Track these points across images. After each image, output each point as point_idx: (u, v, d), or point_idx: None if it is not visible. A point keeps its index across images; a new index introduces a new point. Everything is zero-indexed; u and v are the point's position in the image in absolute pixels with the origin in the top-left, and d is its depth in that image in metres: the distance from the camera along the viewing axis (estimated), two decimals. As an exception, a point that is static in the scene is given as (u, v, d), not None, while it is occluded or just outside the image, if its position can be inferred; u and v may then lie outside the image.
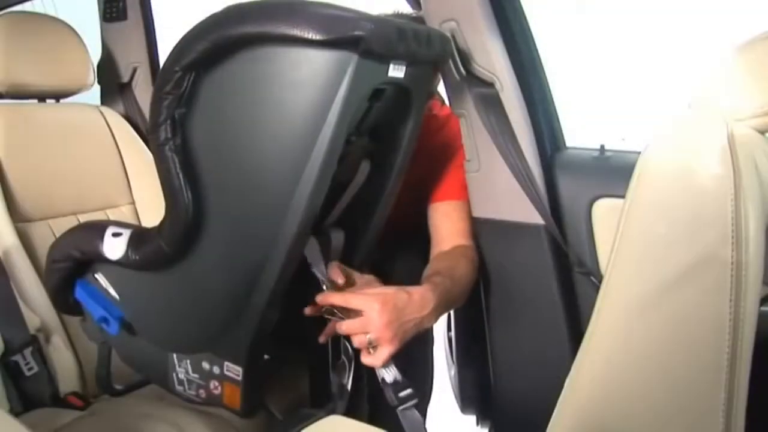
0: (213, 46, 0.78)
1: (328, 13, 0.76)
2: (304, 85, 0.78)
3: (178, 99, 0.81)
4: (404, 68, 0.85)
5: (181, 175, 0.83)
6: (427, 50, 0.87)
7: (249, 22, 0.77)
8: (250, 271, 0.88)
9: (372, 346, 0.89)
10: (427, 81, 0.98)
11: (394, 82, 0.86)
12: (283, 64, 0.78)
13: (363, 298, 0.90)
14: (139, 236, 0.94)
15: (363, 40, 0.74)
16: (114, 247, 0.94)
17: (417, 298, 0.93)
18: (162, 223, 0.89)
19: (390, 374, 0.91)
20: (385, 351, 0.89)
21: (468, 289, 1.08)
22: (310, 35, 0.74)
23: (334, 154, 0.81)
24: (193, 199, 0.84)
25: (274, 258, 0.85)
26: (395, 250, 1.19)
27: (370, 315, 0.88)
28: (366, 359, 0.90)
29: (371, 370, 0.93)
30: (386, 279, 1.02)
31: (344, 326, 0.90)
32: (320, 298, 0.93)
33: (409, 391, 0.91)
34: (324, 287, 0.96)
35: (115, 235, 0.94)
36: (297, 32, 0.74)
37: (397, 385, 0.91)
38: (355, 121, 0.89)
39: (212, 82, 0.81)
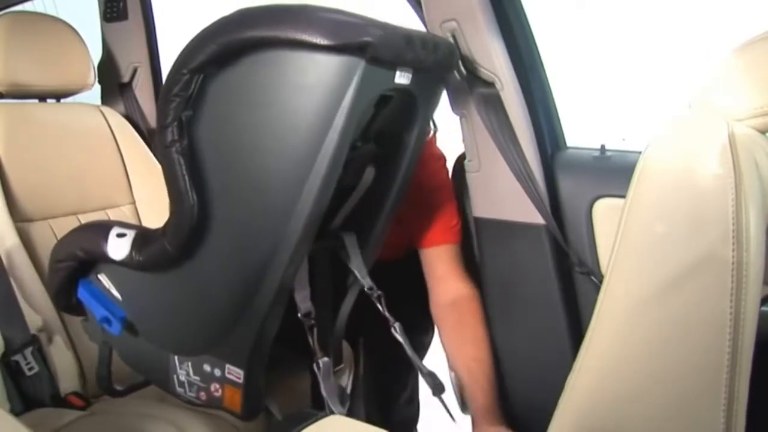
0: (221, 49, 0.78)
1: (337, 18, 0.76)
2: (310, 90, 0.78)
3: (186, 101, 0.81)
4: (410, 75, 0.85)
5: (186, 177, 0.83)
6: (434, 57, 0.87)
7: (258, 26, 0.77)
8: (253, 273, 0.87)
9: None
10: (433, 88, 0.98)
11: (401, 88, 0.86)
12: (291, 69, 0.78)
13: None
14: (144, 237, 0.94)
15: (371, 47, 0.74)
16: (118, 247, 0.94)
17: None
18: (166, 224, 0.89)
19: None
20: None
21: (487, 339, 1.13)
22: (318, 40, 0.74)
23: (339, 158, 0.81)
24: (198, 201, 0.84)
25: (278, 261, 0.85)
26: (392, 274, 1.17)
27: None
28: None
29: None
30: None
31: None
32: None
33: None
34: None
35: (120, 235, 0.95)
36: (305, 37, 0.74)
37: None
38: (361, 127, 0.89)
39: (220, 85, 0.81)
